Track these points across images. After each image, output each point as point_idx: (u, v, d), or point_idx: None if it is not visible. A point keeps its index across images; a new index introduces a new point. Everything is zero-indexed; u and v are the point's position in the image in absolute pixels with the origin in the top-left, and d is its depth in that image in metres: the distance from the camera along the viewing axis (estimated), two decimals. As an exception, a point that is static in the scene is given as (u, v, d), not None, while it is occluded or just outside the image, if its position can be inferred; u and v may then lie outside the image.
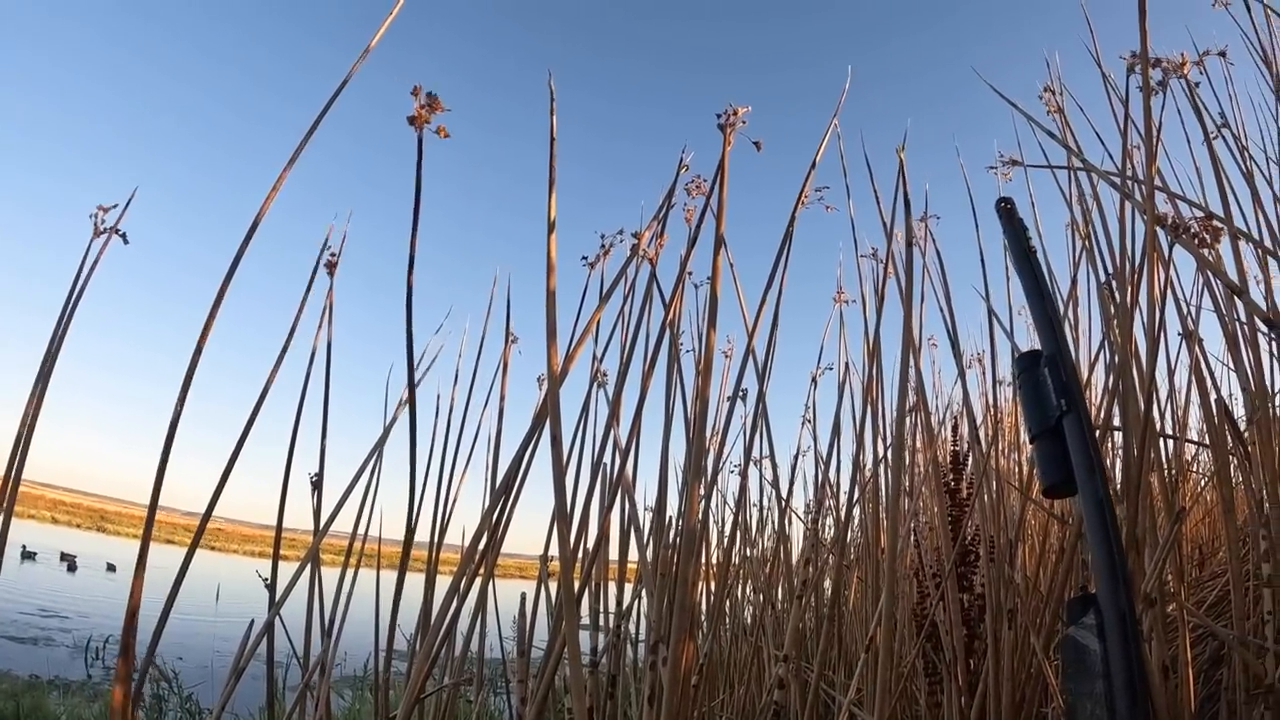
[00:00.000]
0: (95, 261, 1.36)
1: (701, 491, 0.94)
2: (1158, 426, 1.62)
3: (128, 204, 1.40)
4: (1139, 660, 0.37)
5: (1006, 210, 0.58)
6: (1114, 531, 0.41)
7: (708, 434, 1.02)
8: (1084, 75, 1.68)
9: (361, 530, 1.57)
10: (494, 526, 1.15)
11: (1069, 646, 0.40)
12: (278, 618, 1.55)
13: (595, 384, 1.31)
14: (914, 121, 1.48)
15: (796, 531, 2.05)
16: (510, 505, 1.11)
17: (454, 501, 1.57)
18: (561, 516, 0.99)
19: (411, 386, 1.24)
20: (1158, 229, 1.21)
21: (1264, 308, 1.59)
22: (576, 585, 1.04)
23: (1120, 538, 0.41)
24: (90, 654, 4.15)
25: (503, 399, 1.53)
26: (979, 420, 1.52)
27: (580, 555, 1.12)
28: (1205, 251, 1.36)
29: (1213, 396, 1.43)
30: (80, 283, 1.32)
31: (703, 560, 1.48)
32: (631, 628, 1.54)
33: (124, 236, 1.42)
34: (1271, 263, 1.54)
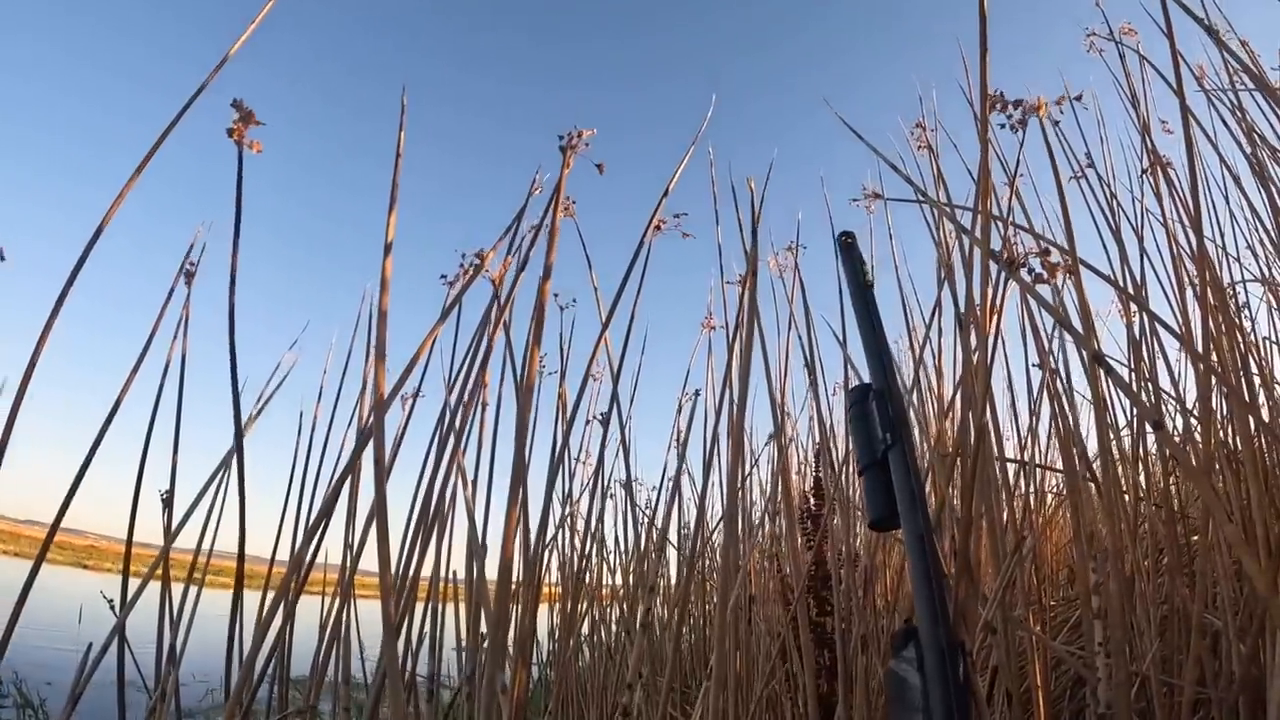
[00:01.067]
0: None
1: (516, 515, 0.93)
2: (1011, 453, 1.68)
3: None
4: (958, 694, 0.38)
5: (846, 245, 0.59)
6: (934, 566, 0.41)
7: (525, 457, 1.02)
8: (961, 112, 1.74)
9: (207, 545, 1.51)
10: (312, 546, 1.12)
11: (891, 679, 0.40)
12: (126, 639, 1.48)
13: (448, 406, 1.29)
14: (792, 140, 1.51)
15: (672, 557, 2.06)
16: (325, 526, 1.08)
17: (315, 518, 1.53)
18: (381, 539, 0.96)
19: (236, 404, 1.20)
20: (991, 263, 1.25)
21: (1127, 339, 1.67)
22: (394, 612, 1.02)
23: (941, 573, 0.41)
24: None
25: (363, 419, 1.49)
26: (833, 447, 1.55)
27: (405, 580, 1.10)
28: (1050, 286, 1.41)
29: (1068, 424, 1.48)
30: None
31: (545, 586, 1.47)
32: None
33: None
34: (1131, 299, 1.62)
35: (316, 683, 1.50)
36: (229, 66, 1.08)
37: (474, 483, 1.14)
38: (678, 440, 1.97)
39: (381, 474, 0.97)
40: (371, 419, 0.99)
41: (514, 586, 0.97)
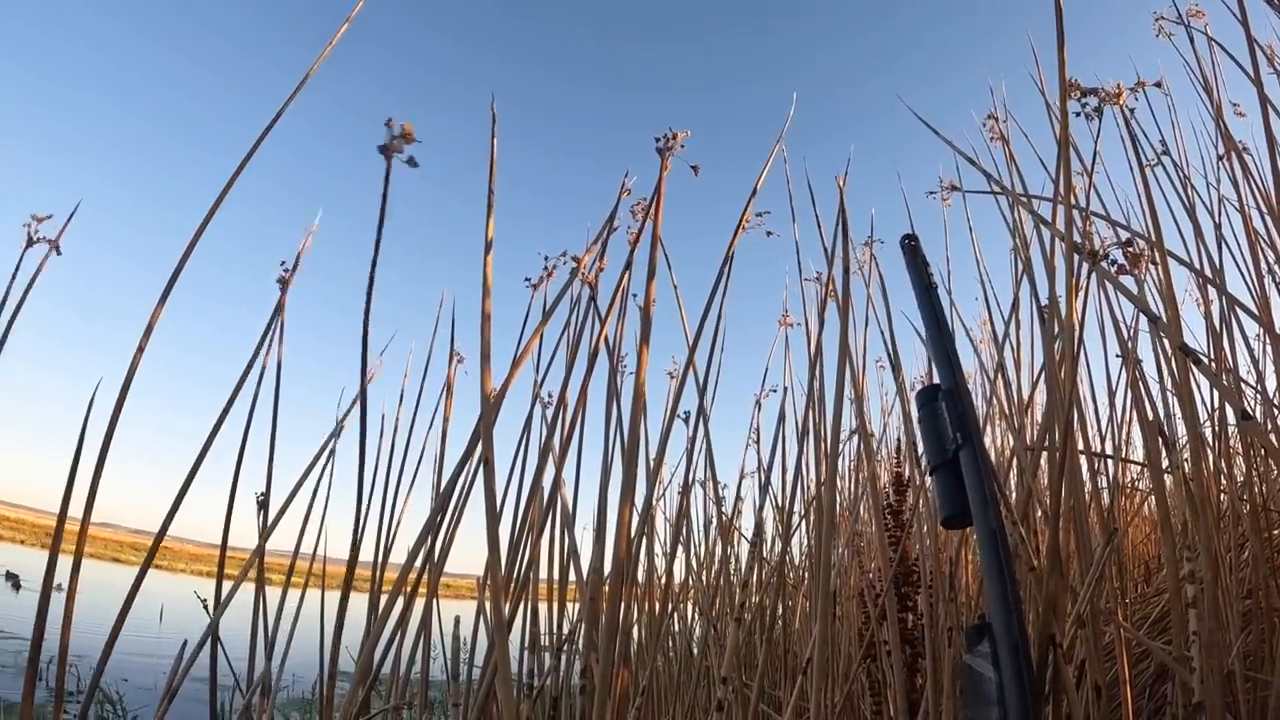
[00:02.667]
0: (36, 273, 1.35)
1: (630, 511, 0.95)
2: (1095, 447, 1.66)
3: (70, 218, 1.39)
4: (1032, 689, 0.38)
5: (910, 246, 0.60)
6: (1006, 562, 0.42)
7: (647, 455, 1.03)
8: (1033, 106, 1.72)
9: (307, 549, 1.55)
10: (431, 545, 1.15)
11: (966, 674, 0.41)
12: (219, 638, 1.52)
13: (538, 404, 1.31)
14: (864, 135, 1.51)
15: (744, 553, 2.07)
16: (452, 524, 1.11)
17: (399, 522, 1.56)
18: (491, 537, 0.99)
19: (364, 407, 1.23)
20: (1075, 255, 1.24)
21: (1206, 328, 1.64)
22: (507, 609, 1.04)
23: (1012, 568, 0.42)
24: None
25: (446, 420, 1.52)
26: (918, 442, 1.54)
27: (514, 577, 1.12)
28: (1132, 276, 1.40)
29: (1149, 416, 1.46)
30: (9, 291, 1.30)
31: (641, 582, 1.48)
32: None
33: (57, 248, 1.40)
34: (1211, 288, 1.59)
35: (401, 681, 1.54)
36: (319, 70, 1.12)
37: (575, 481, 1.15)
38: (754, 438, 1.98)
39: (491, 474, 1.00)
40: (479, 420, 1.01)
41: (625, 585, 0.99)
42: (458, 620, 1.17)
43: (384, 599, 1.13)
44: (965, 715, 0.42)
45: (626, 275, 1.12)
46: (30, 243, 1.39)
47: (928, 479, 1.46)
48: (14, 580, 9.15)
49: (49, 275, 1.34)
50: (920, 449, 1.65)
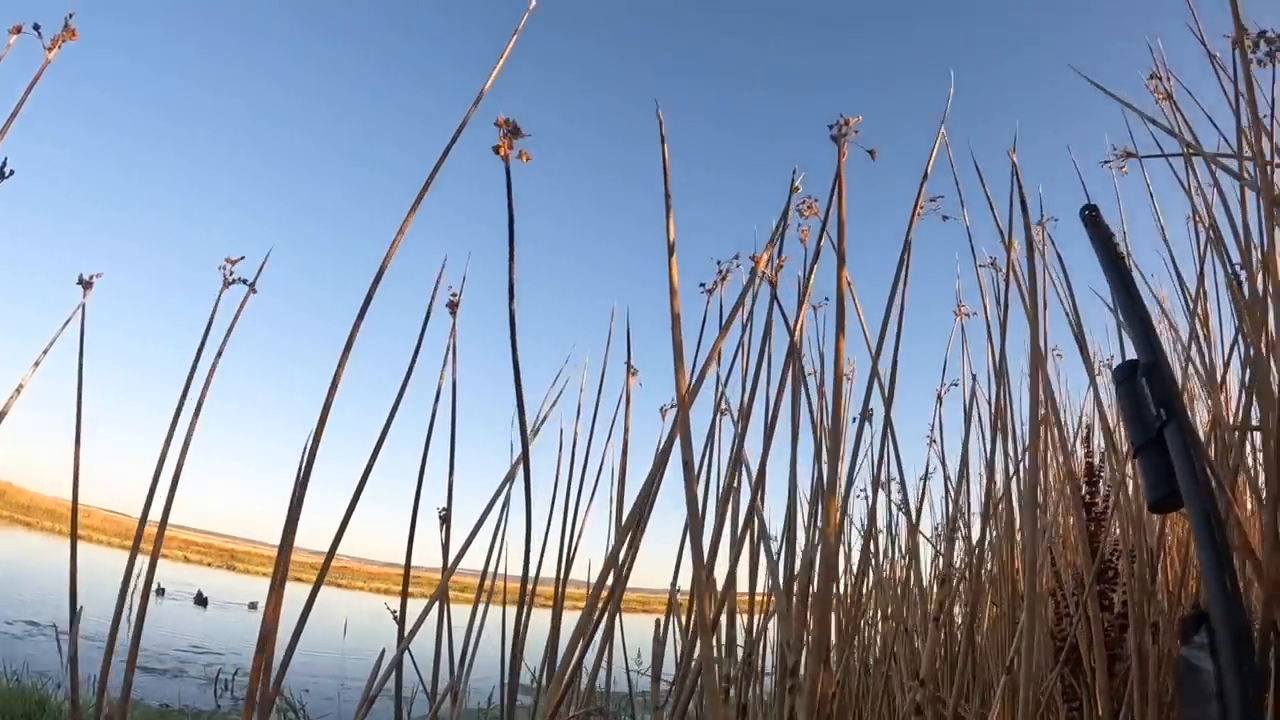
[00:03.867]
0: (237, 310, 1.47)
1: (838, 504, 0.93)
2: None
3: (264, 263, 1.51)
4: (1255, 681, 0.35)
5: (1091, 218, 0.58)
6: (1223, 546, 0.39)
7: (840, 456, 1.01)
8: (1190, 58, 1.60)
9: (491, 568, 1.61)
10: (620, 561, 1.16)
11: (1182, 667, 0.38)
12: (407, 650, 1.60)
13: (719, 413, 1.31)
14: (1018, 121, 1.44)
15: (925, 555, 2.00)
16: (637, 539, 1.12)
17: (579, 536, 1.60)
18: (695, 540, 0.99)
19: (523, 419, 1.27)
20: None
21: None
22: (710, 613, 1.04)
23: (1229, 553, 0.39)
24: (220, 685, 4.37)
25: (627, 430, 1.54)
26: (1113, 428, 1.44)
27: (710, 583, 1.12)
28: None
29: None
30: (211, 326, 1.42)
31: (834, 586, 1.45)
32: (758, 659, 1.52)
33: (253, 287, 1.52)
34: None
35: (587, 688, 1.57)
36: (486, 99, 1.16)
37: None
38: (933, 437, 1.92)
39: (691, 475, 1.00)
40: (675, 421, 1.02)
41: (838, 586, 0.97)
42: (658, 623, 1.18)
43: (573, 613, 1.16)
44: (1183, 714, 0.38)
45: (815, 266, 1.11)
46: (226, 284, 1.53)
47: (1128, 464, 1.37)
48: (203, 600, 10.11)
49: (251, 311, 1.45)
50: (1121, 433, 1.57)
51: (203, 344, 1.45)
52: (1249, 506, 1.49)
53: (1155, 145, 1.54)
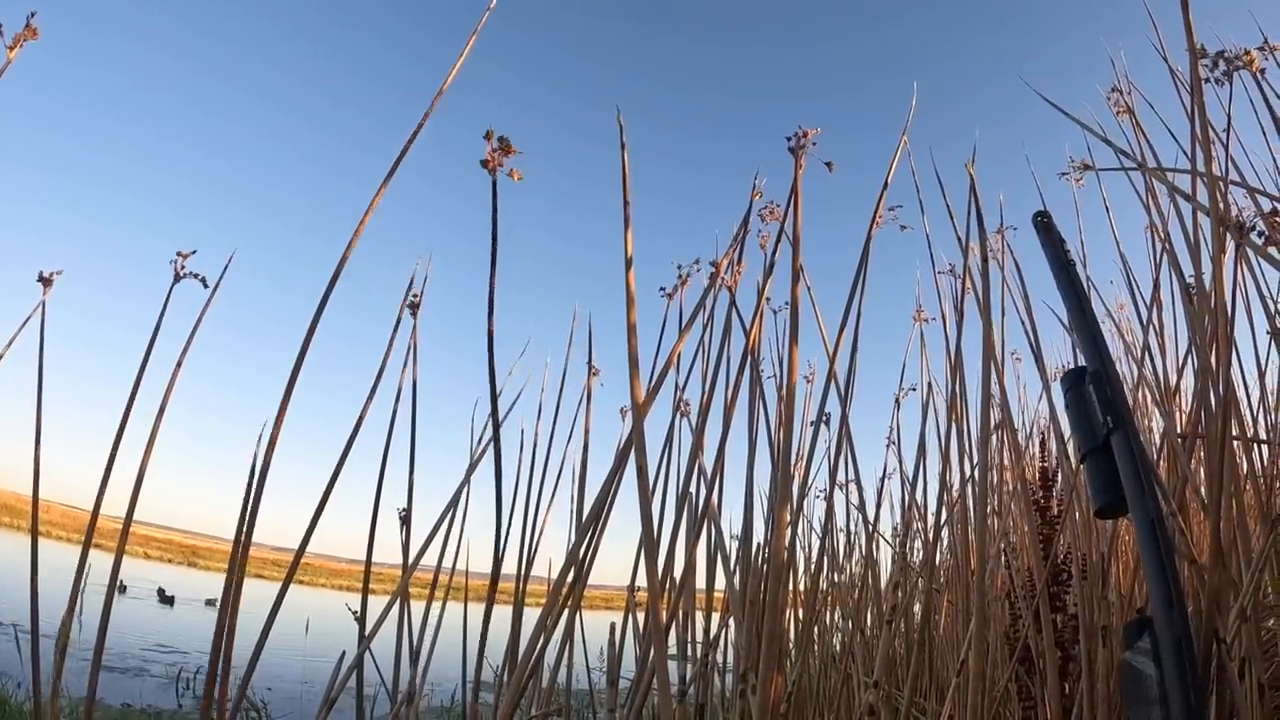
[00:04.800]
0: (202, 309, 1.44)
1: (788, 516, 0.94)
2: (1249, 432, 1.54)
3: (227, 265, 1.48)
4: (1197, 686, 0.36)
5: (1044, 224, 0.58)
6: (1167, 553, 0.40)
7: (792, 459, 1.02)
8: (1153, 72, 1.63)
9: (448, 564, 1.60)
10: (580, 559, 1.17)
11: (1126, 672, 0.39)
12: (368, 650, 1.59)
13: (678, 414, 1.32)
14: (982, 130, 1.46)
15: (885, 556, 2.03)
16: (597, 537, 1.12)
17: (540, 534, 1.60)
18: (649, 547, 0.99)
19: (496, 427, 1.27)
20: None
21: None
22: (664, 615, 1.05)
23: (1174, 560, 0.40)
24: (181, 684, 4.31)
25: (587, 431, 1.55)
26: (1066, 434, 1.47)
27: (667, 585, 1.13)
28: (1278, 247, 1.31)
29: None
30: (162, 319, 1.40)
31: (789, 587, 1.47)
32: (718, 657, 1.53)
33: (203, 280, 1.49)
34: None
35: (547, 689, 1.57)
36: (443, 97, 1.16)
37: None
38: (892, 439, 1.95)
39: (645, 483, 1.01)
40: (631, 429, 1.02)
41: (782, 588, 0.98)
42: (613, 626, 1.18)
43: (535, 610, 1.16)
44: (1126, 716, 0.40)
45: (770, 278, 1.12)
46: (176, 278, 1.50)
47: (1078, 469, 1.39)
48: (168, 599, 9.93)
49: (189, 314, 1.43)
50: (1068, 440, 1.60)
51: (153, 338, 1.42)
52: (1198, 515, 1.53)
53: (1114, 158, 1.57)
